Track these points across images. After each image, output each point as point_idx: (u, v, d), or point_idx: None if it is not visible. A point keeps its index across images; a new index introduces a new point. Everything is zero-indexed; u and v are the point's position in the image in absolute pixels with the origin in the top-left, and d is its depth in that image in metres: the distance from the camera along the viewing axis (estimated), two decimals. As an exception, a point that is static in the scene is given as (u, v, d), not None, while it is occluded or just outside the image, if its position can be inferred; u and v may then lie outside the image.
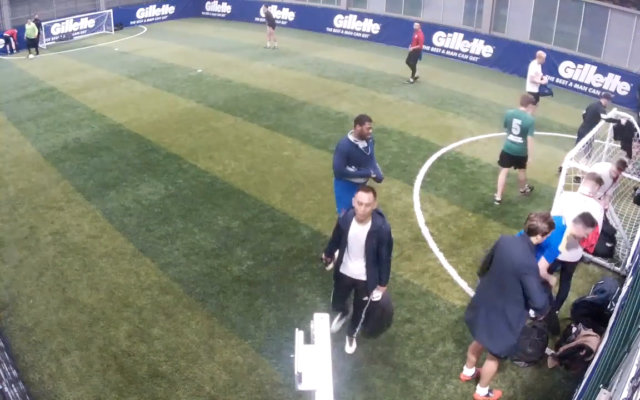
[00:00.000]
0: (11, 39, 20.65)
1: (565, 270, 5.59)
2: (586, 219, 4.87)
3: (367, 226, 4.39)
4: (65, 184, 8.80)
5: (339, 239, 4.64)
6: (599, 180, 5.59)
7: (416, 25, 14.94)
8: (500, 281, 4.19)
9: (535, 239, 4.12)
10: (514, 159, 7.78)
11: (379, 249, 4.47)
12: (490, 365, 4.49)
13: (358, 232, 4.43)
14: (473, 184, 8.73)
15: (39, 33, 20.19)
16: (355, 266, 4.62)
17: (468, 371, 4.86)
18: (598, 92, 14.66)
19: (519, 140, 7.53)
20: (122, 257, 6.75)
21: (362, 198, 4.24)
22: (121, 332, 5.44)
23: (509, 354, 4.39)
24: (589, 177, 5.59)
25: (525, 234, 4.19)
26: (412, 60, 14.81)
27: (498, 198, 8.06)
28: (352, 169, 5.89)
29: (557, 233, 4.61)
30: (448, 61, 18.17)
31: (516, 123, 7.47)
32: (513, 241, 4.26)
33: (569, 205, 5.38)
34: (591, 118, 8.72)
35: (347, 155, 5.81)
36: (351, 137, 5.82)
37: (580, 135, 8.61)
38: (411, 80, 14.90)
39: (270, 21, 19.68)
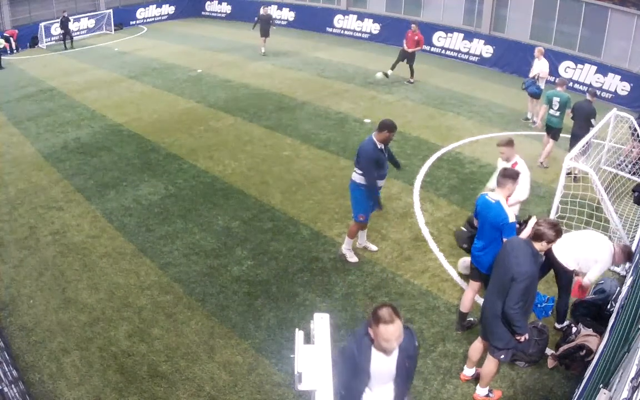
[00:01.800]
0: (11, 39, 20.66)
1: (557, 279, 5.49)
2: (507, 173, 4.83)
3: (395, 352, 3.26)
4: (65, 184, 8.80)
5: (352, 375, 3.31)
6: (626, 253, 5.50)
7: (414, 26, 14.83)
8: (500, 283, 4.18)
9: (540, 246, 4.09)
10: (551, 129, 9.42)
11: (410, 372, 3.42)
12: (489, 366, 4.49)
13: (384, 364, 3.28)
14: (473, 184, 8.73)
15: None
16: None
17: (468, 371, 4.86)
18: (598, 92, 14.69)
19: (557, 114, 9.30)
20: (122, 257, 6.75)
21: (390, 334, 3.03)
22: (121, 332, 5.44)
23: (510, 348, 4.38)
24: (620, 246, 5.49)
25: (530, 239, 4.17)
26: (412, 60, 14.80)
27: (541, 160, 9.52)
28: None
29: (491, 210, 4.76)
30: (448, 61, 18.16)
31: (555, 100, 9.28)
32: (519, 246, 4.19)
33: (582, 238, 5.45)
34: (585, 118, 8.68)
35: (376, 160, 6.00)
36: (375, 140, 5.98)
37: (575, 135, 8.49)
38: (411, 80, 14.90)
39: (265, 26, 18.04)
